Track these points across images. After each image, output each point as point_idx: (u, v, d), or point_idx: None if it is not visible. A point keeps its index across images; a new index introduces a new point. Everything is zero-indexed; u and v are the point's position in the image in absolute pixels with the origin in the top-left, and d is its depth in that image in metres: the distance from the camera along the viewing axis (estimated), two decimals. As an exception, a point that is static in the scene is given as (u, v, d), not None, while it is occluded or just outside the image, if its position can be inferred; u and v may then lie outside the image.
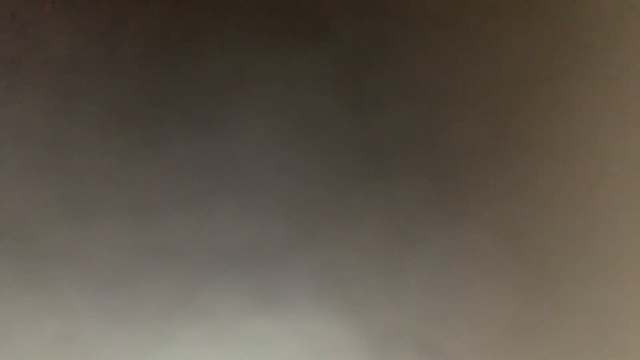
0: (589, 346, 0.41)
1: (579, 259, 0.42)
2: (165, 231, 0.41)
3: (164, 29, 0.43)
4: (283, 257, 0.41)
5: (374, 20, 0.43)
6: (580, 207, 0.42)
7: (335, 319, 0.41)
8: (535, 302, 0.41)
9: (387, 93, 0.42)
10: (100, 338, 0.41)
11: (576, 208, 0.42)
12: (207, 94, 0.42)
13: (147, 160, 0.42)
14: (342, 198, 0.42)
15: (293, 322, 0.41)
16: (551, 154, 0.42)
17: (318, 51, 0.43)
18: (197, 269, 0.41)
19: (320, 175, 0.42)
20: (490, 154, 0.42)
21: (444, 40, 0.43)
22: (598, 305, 0.41)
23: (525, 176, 0.42)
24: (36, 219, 0.41)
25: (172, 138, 0.42)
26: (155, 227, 0.41)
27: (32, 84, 0.42)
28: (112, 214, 0.42)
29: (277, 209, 0.42)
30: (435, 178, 0.42)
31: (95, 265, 0.41)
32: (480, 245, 0.42)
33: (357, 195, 0.42)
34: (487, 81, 0.43)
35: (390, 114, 0.42)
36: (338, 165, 0.42)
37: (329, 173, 0.42)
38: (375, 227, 0.42)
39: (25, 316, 0.41)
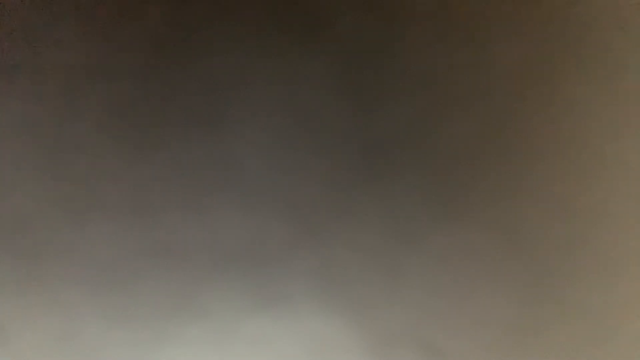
0: (589, 346, 0.41)
1: (579, 258, 0.42)
2: (165, 231, 0.41)
3: (163, 29, 0.43)
4: (283, 257, 0.41)
5: (374, 19, 0.43)
6: (580, 206, 0.42)
7: (335, 318, 0.41)
8: (535, 302, 0.41)
9: (386, 92, 0.42)
10: (100, 338, 0.41)
11: (576, 207, 0.42)
12: (207, 94, 0.42)
13: (147, 160, 0.42)
14: (342, 198, 0.42)
15: (293, 321, 0.41)
16: (552, 153, 0.42)
17: (318, 51, 0.43)
18: (197, 269, 0.41)
19: (320, 175, 0.42)
20: (490, 154, 0.42)
21: (444, 40, 0.43)
22: (598, 305, 0.41)
23: (525, 175, 0.42)
24: (36, 219, 0.41)
25: (172, 138, 0.42)
26: (155, 227, 0.41)
27: (32, 84, 0.42)
28: (112, 214, 0.42)
29: (277, 209, 0.42)
30: (435, 178, 0.42)
31: (95, 265, 0.41)
32: (480, 245, 0.42)
33: (357, 195, 0.42)
34: (486, 81, 0.43)
35: (390, 114, 0.42)
36: (338, 165, 0.42)
37: (328, 173, 0.42)
38: (375, 227, 0.42)
39: (25, 316, 0.41)
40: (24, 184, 0.42)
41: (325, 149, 0.42)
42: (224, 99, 0.42)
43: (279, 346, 0.41)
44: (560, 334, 0.41)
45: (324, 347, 0.41)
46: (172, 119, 0.42)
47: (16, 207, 0.42)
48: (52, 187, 0.42)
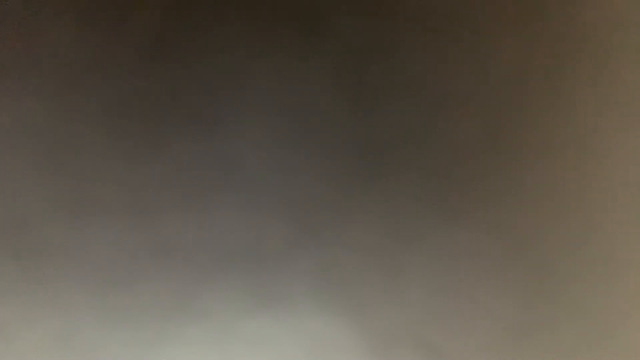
0: (589, 346, 0.41)
1: (579, 258, 0.42)
2: (165, 231, 0.41)
3: (163, 29, 0.43)
4: (283, 257, 0.41)
5: (373, 19, 0.43)
6: (580, 206, 0.42)
7: (336, 318, 0.41)
8: (535, 302, 0.41)
9: (386, 93, 0.42)
10: (100, 338, 0.41)
11: (576, 207, 0.42)
12: (207, 94, 0.42)
13: (147, 160, 0.42)
14: (342, 198, 0.42)
15: (293, 321, 0.41)
16: (552, 153, 0.42)
17: (318, 51, 0.43)
18: (197, 269, 0.41)
19: (320, 175, 0.42)
20: (490, 154, 0.42)
21: (443, 40, 0.43)
22: (598, 305, 0.41)
23: (525, 175, 0.42)
24: (36, 219, 0.41)
25: (172, 138, 0.42)
26: (155, 227, 0.41)
27: (32, 83, 0.42)
28: (112, 214, 0.42)
29: (277, 209, 0.42)
30: (435, 178, 0.42)
31: (95, 265, 0.41)
32: (480, 245, 0.42)
33: (357, 195, 0.42)
34: (486, 80, 0.43)
35: (389, 114, 0.42)
36: (338, 165, 0.42)
37: (328, 173, 0.42)
38: (375, 227, 0.42)
39: (25, 316, 0.41)
40: (24, 184, 0.42)
41: (325, 149, 0.42)
42: (224, 99, 0.42)
43: (279, 346, 0.41)
44: (560, 334, 0.41)
45: (324, 347, 0.41)
46: (173, 119, 0.42)
47: (16, 207, 0.42)
48: (52, 187, 0.42)
